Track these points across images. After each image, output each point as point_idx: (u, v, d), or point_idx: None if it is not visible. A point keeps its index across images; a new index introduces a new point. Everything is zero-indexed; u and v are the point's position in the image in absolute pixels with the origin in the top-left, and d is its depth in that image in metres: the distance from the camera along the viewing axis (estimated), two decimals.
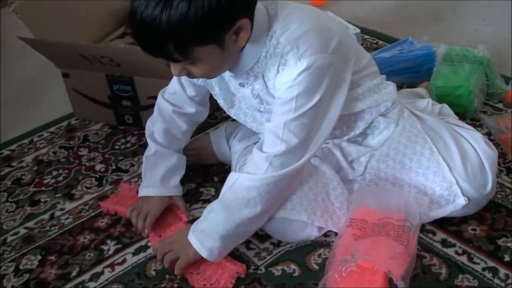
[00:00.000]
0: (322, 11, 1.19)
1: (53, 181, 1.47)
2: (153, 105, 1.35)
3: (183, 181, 1.35)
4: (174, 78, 1.30)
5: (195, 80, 1.23)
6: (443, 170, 1.18)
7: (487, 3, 2.12)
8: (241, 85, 1.14)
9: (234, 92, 1.19)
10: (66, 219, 1.34)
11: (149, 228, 1.25)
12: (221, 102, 1.23)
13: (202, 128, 1.57)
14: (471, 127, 1.30)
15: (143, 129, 1.37)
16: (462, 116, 1.50)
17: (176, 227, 1.26)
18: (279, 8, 1.06)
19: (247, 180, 1.07)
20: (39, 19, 1.57)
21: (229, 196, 1.09)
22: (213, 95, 1.24)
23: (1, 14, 2.31)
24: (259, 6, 1.03)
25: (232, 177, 1.10)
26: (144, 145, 1.35)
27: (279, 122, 1.06)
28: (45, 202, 1.40)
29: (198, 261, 1.13)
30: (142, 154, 1.35)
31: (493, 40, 1.87)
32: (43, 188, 1.44)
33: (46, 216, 1.35)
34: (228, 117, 1.35)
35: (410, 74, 1.65)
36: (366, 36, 1.94)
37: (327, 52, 1.04)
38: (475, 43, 1.75)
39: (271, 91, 1.10)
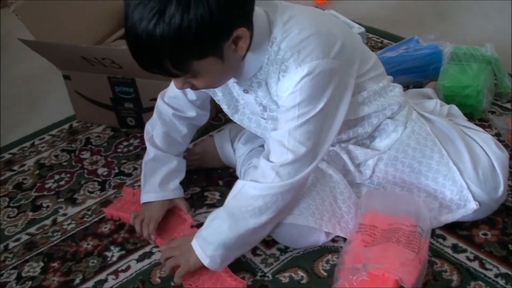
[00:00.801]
0: (324, 12, 1.16)
1: (55, 185, 1.44)
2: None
3: (187, 185, 1.33)
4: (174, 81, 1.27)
5: None
6: (454, 174, 1.16)
7: (492, 2, 2.09)
8: (245, 91, 1.12)
9: (238, 98, 1.17)
10: (68, 224, 1.32)
11: (154, 233, 1.23)
12: (224, 107, 1.21)
13: (206, 130, 1.55)
14: (481, 129, 1.28)
15: None
16: (470, 116, 1.47)
17: (182, 229, 1.25)
18: (279, 12, 1.03)
19: (254, 188, 1.05)
20: (39, 20, 1.55)
21: (235, 204, 1.07)
22: (216, 101, 1.22)
23: (2, 14, 2.28)
24: (258, 11, 1.00)
25: (238, 185, 1.08)
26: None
27: (283, 130, 1.03)
28: (47, 207, 1.38)
29: (199, 271, 1.10)
30: None
31: (499, 38, 1.84)
32: (45, 193, 1.42)
33: (48, 222, 1.33)
34: None
35: (417, 73, 1.63)
36: (370, 35, 1.91)
37: (329, 57, 1.01)
38: (481, 41, 1.72)
39: (274, 98, 1.08)
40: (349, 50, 1.06)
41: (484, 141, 1.21)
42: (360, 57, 1.11)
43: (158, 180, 1.26)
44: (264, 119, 1.16)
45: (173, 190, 1.28)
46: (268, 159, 1.05)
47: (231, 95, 1.17)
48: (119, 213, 1.30)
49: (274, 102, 1.09)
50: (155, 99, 1.36)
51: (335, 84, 1.02)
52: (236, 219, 1.05)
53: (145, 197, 1.26)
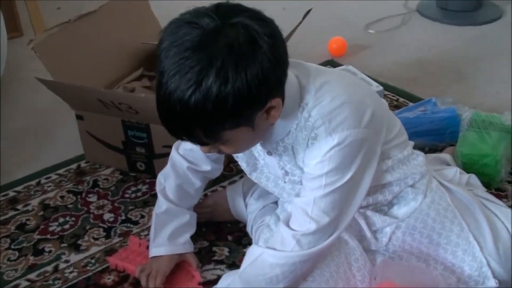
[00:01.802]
0: (356, 79, 1.15)
1: (59, 228, 1.40)
2: (167, 154, 1.30)
3: (195, 238, 1.30)
4: None
5: None
6: (474, 249, 1.13)
7: (509, 66, 2.09)
8: (269, 153, 1.09)
9: (258, 157, 1.14)
10: (70, 272, 1.27)
11: (160, 287, 1.19)
12: (243, 165, 1.18)
13: (216, 180, 1.51)
14: (501, 202, 1.25)
15: (155, 177, 1.32)
16: (487, 185, 1.44)
17: (189, 286, 1.21)
18: (312, 77, 1.01)
19: (272, 256, 1.01)
20: (57, 58, 1.55)
21: (251, 271, 1.03)
22: (235, 157, 1.20)
23: (13, 44, 2.27)
24: (290, 76, 0.99)
25: (255, 252, 1.04)
26: (156, 195, 1.29)
27: (308, 198, 1.00)
28: (50, 252, 1.33)
29: None
30: (153, 204, 1.30)
31: None
32: (48, 236, 1.38)
33: (49, 268, 1.29)
34: None
35: (434, 136, 1.61)
36: (386, 92, 1.90)
37: (360, 126, 0.99)
38: (497, 107, 1.72)
39: (300, 164, 1.05)
40: (378, 118, 1.04)
41: (505, 215, 1.18)
42: (387, 124, 1.09)
43: (168, 234, 1.24)
44: (284, 182, 1.13)
45: (183, 244, 1.25)
46: (288, 226, 1.02)
47: (251, 153, 1.15)
48: (125, 264, 1.26)
49: (299, 167, 1.06)
50: (168, 146, 1.34)
51: (363, 153, 1.00)
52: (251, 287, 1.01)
53: (154, 251, 1.23)
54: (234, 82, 0.85)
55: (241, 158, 1.17)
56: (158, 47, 0.90)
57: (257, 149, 1.12)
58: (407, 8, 2.59)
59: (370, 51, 2.23)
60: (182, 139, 0.96)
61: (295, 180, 1.09)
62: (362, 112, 1.00)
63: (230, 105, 0.86)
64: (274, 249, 1.01)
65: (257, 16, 0.90)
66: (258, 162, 1.16)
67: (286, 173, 1.10)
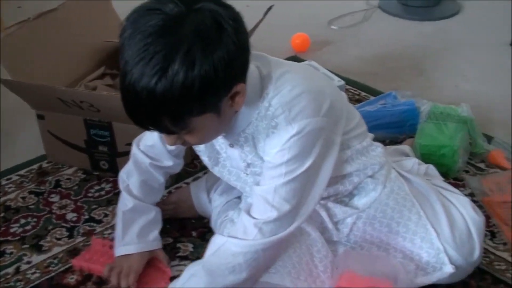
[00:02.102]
0: (315, 71, 1.17)
1: (20, 230, 1.38)
2: (130, 152, 1.29)
3: (160, 235, 1.29)
4: None
5: None
6: (431, 236, 1.16)
7: (467, 59, 2.15)
8: (231, 145, 1.10)
9: (220, 150, 1.15)
10: (33, 273, 1.26)
11: (134, 285, 1.19)
12: (205, 159, 1.19)
13: (180, 177, 1.52)
14: (458, 191, 1.28)
15: None
16: (445, 175, 1.48)
17: (161, 282, 1.22)
18: (272, 68, 1.03)
19: (235, 245, 1.02)
20: (16, 57, 1.52)
21: (214, 261, 1.03)
22: (197, 152, 1.20)
23: None
24: (251, 67, 1.00)
25: (218, 241, 1.05)
26: (119, 193, 1.29)
27: (269, 187, 1.01)
28: (11, 253, 1.31)
29: None
30: (117, 203, 1.29)
31: (473, 97, 1.88)
32: (9, 238, 1.36)
33: (11, 270, 1.27)
34: None
35: (394, 129, 1.65)
36: (348, 87, 1.93)
37: (319, 115, 1.01)
38: (455, 99, 1.77)
39: (260, 153, 1.06)
40: (337, 108, 1.06)
41: (462, 203, 1.22)
42: (346, 115, 1.11)
43: (136, 231, 1.23)
44: (246, 174, 1.14)
45: (152, 241, 1.25)
46: (250, 215, 1.03)
47: (213, 148, 1.15)
48: (90, 265, 1.25)
49: (260, 157, 1.07)
50: (130, 144, 1.34)
51: (322, 142, 1.02)
52: (215, 276, 1.02)
53: (124, 249, 1.22)
54: (201, 66, 0.85)
55: (203, 153, 1.18)
56: (120, 37, 0.89)
57: (219, 142, 1.13)
58: (369, 4, 2.64)
59: (333, 47, 2.26)
60: (148, 129, 0.95)
61: (257, 171, 1.10)
62: (321, 102, 1.02)
63: (197, 89, 0.86)
64: (236, 238, 1.02)
65: (219, 1, 0.91)
66: (220, 155, 1.16)
67: (248, 165, 1.11)
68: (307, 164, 1.01)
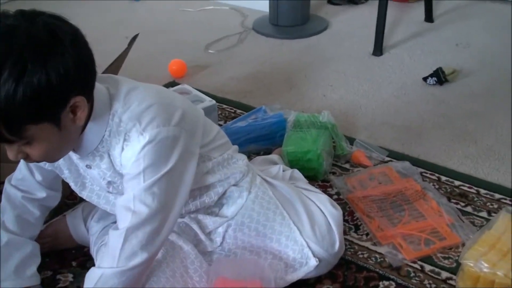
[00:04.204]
0: (165, 88, 1.23)
1: None
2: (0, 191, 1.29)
3: (38, 270, 1.28)
4: (21, 163, 1.25)
5: (42, 163, 1.20)
6: (295, 234, 1.25)
7: (334, 70, 2.32)
8: (88, 166, 1.13)
9: (84, 174, 1.17)
10: None
11: None
12: (72, 185, 1.21)
13: (60, 209, 1.51)
14: (318, 190, 1.39)
15: None
16: (314, 178, 1.60)
17: None
18: (120, 86, 1.08)
19: (112, 273, 1.04)
20: None
21: None
22: (64, 179, 1.22)
23: None
24: (100, 87, 1.04)
25: (94, 274, 1.05)
26: None
27: (128, 195, 1.04)
28: None
29: None
30: None
31: (340, 105, 2.04)
32: None
33: None
34: None
35: (265, 141, 1.75)
36: (224, 106, 2.02)
37: (170, 124, 1.05)
38: (324, 108, 1.90)
39: (118, 169, 1.10)
40: (191, 120, 1.11)
41: (321, 201, 1.32)
42: (202, 128, 1.17)
43: (13, 267, 1.21)
44: (112, 194, 1.17)
45: (30, 277, 1.24)
46: (116, 228, 1.05)
47: (78, 172, 1.18)
48: None
49: (119, 174, 1.10)
50: (3, 183, 1.32)
51: (179, 151, 1.06)
52: None
53: (1, 285, 1.20)
54: (33, 73, 0.88)
55: (69, 178, 1.19)
56: None
57: (81, 166, 1.15)
58: (244, 27, 2.77)
59: (210, 70, 2.36)
60: None
61: (119, 188, 1.13)
62: (171, 112, 1.07)
63: (29, 96, 0.88)
64: (111, 267, 1.04)
65: (59, 17, 0.95)
66: (86, 180, 1.19)
67: (109, 182, 1.13)
68: (164, 170, 1.04)
